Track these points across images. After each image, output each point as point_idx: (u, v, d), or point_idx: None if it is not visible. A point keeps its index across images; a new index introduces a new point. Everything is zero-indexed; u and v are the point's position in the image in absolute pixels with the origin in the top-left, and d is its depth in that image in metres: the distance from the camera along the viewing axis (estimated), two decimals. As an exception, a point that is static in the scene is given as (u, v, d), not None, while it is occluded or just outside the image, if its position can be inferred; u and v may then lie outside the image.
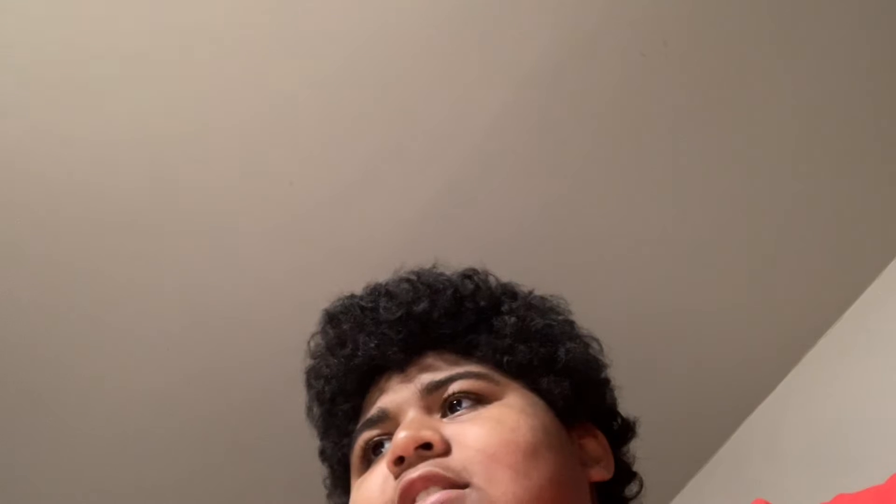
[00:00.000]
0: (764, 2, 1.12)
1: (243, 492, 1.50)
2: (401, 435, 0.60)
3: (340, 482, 0.73)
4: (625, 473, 0.72)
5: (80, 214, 1.22)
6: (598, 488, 0.68)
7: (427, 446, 0.59)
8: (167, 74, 1.13)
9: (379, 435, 0.66)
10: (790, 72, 1.17)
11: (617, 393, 0.75)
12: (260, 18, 1.10)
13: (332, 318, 0.72)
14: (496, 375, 0.66)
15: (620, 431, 0.74)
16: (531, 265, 1.27)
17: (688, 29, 1.14)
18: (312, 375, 0.75)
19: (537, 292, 0.78)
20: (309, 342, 0.76)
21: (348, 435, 0.71)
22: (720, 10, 1.12)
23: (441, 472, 0.58)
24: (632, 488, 0.73)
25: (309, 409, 0.76)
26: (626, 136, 1.21)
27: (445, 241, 1.25)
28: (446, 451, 0.60)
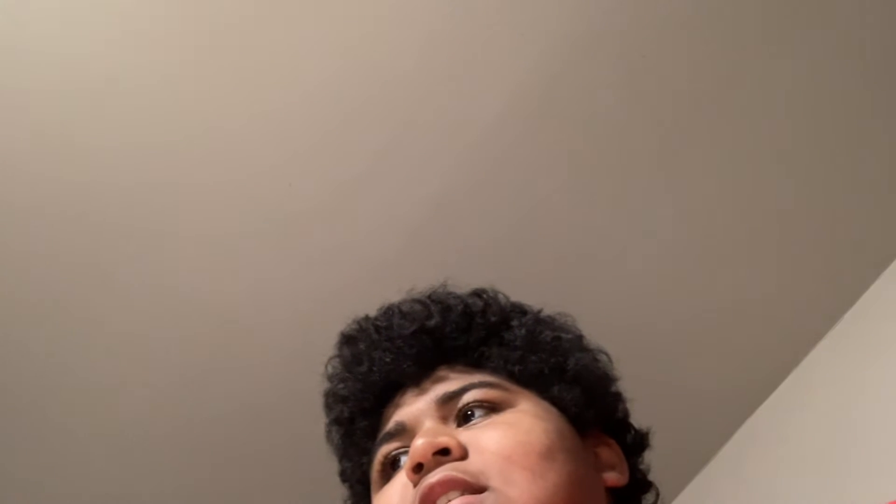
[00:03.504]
0: (758, 4, 1.15)
1: (239, 496, 1.49)
2: (418, 442, 0.61)
3: (362, 501, 0.74)
4: (640, 482, 0.73)
5: (78, 217, 1.24)
6: (615, 495, 0.69)
7: (444, 452, 0.61)
8: (166, 76, 1.16)
9: (397, 448, 0.67)
10: (788, 72, 1.19)
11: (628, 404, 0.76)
12: (259, 21, 1.14)
13: (349, 339, 0.75)
14: (508, 384, 0.68)
15: (634, 442, 0.75)
16: (532, 266, 1.30)
17: (688, 31, 1.17)
18: (331, 398, 0.77)
19: (546, 311, 0.80)
20: (326, 366, 0.78)
21: (367, 453, 0.72)
22: (719, 12, 1.15)
23: (459, 475, 0.59)
24: (648, 498, 0.74)
25: (328, 433, 0.78)
26: (624, 139, 1.24)
27: (444, 242, 1.27)
28: (463, 455, 0.61)
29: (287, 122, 1.21)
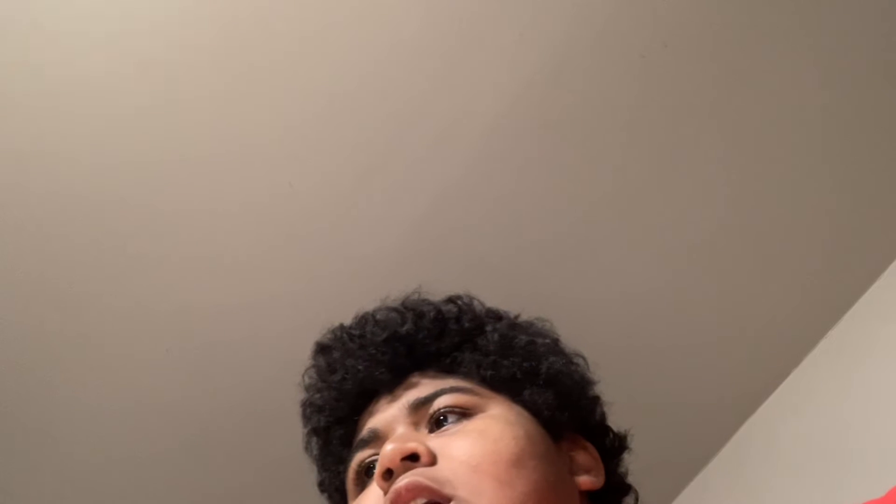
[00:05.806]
0: (762, 5, 1.15)
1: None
2: (387, 448, 0.61)
3: (340, 511, 0.74)
4: (618, 485, 0.73)
5: (73, 223, 1.25)
6: (592, 499, 0.69)
7: (413, 457, 0.61)
8: (167, 77, 1.17)
9: (371, 455, 0.67)
10: (789, 74, 1.19)
11: (614, 397, 0.76)
12: (259, 22, 1.15)
13: (323, 348, 0.75)
14: (480, 389, 0.68)
15: (612, 445, 0.75)
16: (530, 269, 1.30)
17: (687, 32, 1.17)
18: (307, 408, 0.77)
19: (524, 316, 0.80)
20: (303, 376, 0.78)
21: (343, 461, 0.72)
22: (719, 13, 1.16)
23: (425, 481, 0.59)
24: (627, 501, 0.73)
25: (306, 444, 0.78)
26: (623, 141, 1.24)
27: (445, 243, 1.27)
28: (432, 462, 0.61)
29: (287, 123, 1.21)
